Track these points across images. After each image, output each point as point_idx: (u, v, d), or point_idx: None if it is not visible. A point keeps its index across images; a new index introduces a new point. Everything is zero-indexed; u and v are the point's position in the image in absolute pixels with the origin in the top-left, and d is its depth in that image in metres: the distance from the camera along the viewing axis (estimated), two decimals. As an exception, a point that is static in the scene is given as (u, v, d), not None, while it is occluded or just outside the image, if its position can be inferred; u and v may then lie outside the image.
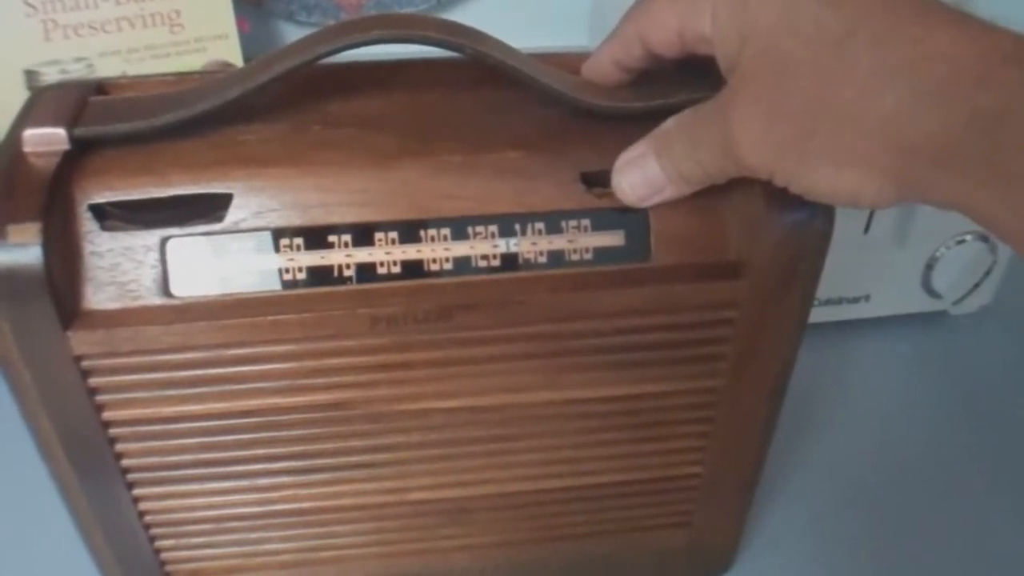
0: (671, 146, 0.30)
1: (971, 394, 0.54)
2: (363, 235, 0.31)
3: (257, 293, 0.31)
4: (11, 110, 0.31)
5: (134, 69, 0.60)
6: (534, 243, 0.31)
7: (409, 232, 0.31)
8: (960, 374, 0.56)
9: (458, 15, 0.73)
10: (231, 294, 0.31)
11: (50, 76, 0.58)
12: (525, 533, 0.39)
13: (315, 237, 0.30)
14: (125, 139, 0.31)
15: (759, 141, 0.27)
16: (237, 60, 0.61)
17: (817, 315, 0.54)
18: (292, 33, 0.71)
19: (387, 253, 0.31)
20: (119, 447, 0.34)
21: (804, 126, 0.26)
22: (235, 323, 0.30)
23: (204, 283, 0.31)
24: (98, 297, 0.30)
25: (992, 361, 0.56)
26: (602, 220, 0.32)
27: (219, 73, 0.33)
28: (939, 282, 0.54)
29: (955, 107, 0.23)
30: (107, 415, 0.32)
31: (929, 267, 0.54)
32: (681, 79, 0.32)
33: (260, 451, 0.34)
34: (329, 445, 0.34)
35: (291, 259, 0.31)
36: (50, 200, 0.29)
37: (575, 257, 0.32)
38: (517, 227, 0.31)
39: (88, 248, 0.30)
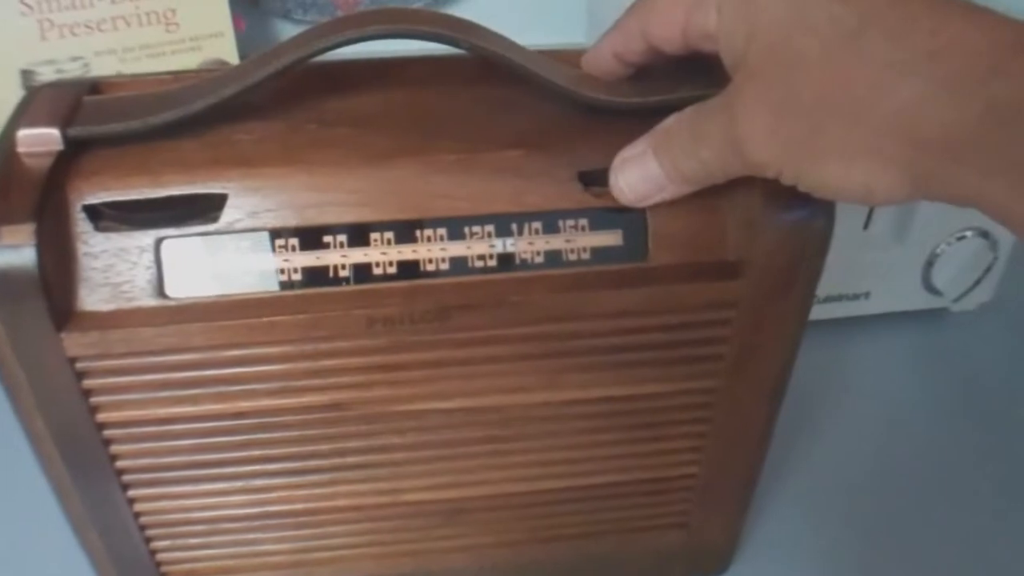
0: (672, 144, 0.29)
1: (972, 392, 0.54)
2: (359, 235, 0.30)
3: (253, 294, 0.30)
4: (7, 109, 0.31)
5: (130, 68, 0.60)
6: (531, 243, 0.31)
7: (405, 232, 0.30)
8: (961, 372, 0.55)
9: (454, 12, 0.72)
10: (226, 295, 0.30)
11: (46, 75, 0.58)
12: (521, 534, 0.39)
13: (311, 238, 0.30)
14: (119, 139, 0.31)
15: (767, 137, 0.27)
16: (233, 59, 0.61)
17: (816, 312, 0.54)
18: (288, 31, 0.71)
19: (383, 253, 0.30)
20: (114, 448, 0.33)
21: (814, 121, 0.26)
22: (230, 324, 0.30)
23: (199, 284, 0.30)
24: (92, 298, 0.30)
25: (993, 358, 0.56)
26: (600, 220, 0.31)
27: (215, 71, 0.33)
28: (939, 279, 0.54)
29: (970, 98, 0.23)
30: (102, 416, 0.32)
31: (929, 264, 0.53)
32: (682, 75, 0.32)
33: (255, 452, 0.34)
34: (325, 446, 0.34)
35: (287, 260, 0.30)
36: (44, 201, 0.28)
37: (572, 257, 0.31)
38: (514, 227, 0.31)
39: (82, 249, 0.30)
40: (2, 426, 0.34)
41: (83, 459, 0.33)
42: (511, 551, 0.39)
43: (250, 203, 0.30)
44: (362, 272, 0.30)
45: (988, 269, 0.54)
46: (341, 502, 0.36)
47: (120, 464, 0.34)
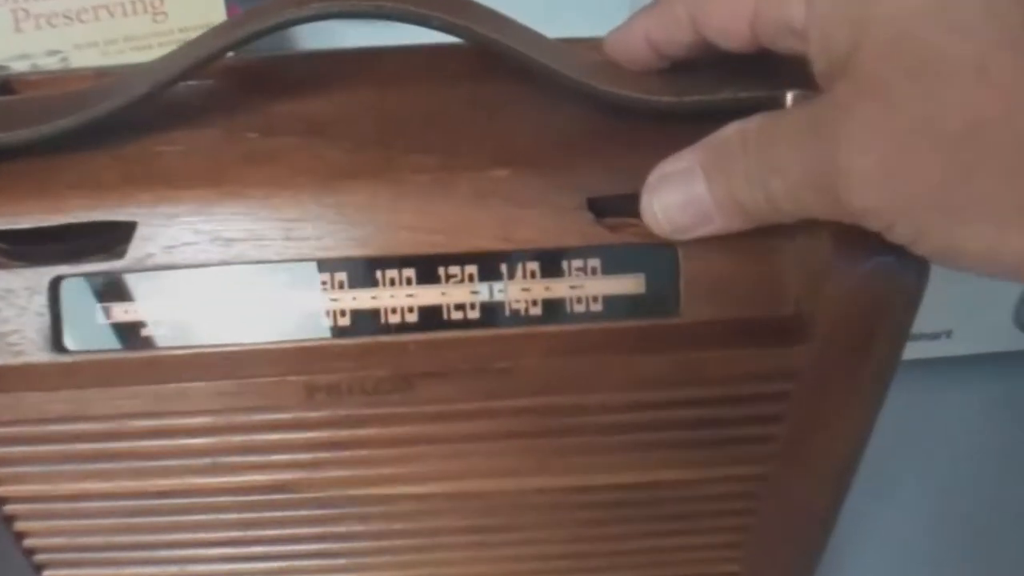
0: (730, 164, 0.22)
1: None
2: (300, 278, 0.24)
3: (167, 351, 0.24)
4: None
5: (113, 61, 0.54)
6: (525, 289, 0.24)
7: (360, 274, 0.24)
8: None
9: None
10: (134, 352, 0.24)
11: (20, 71, 0.52)
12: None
13: (241, 280, 0.24)
14: (15, 151, 0.24)
15: (881, 177, 0.19)
16: (229, 52, 0.55)
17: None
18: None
19: (332, 300, 0.24)
20: (19, 526, 0.27)
21: (959, 161, 0.18)
22: (138, 391, 0.23)
23: (102, 336, 0.24)
24: (-31, 352, 0.24)
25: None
26: (616, 260, 0.24)
27: (140, 66, 0.26)
28: (1035, 317, 0.45)
29: None
30: (0, 490, 0.26)
31: (1023, 300, 0.45)
32: (730, 70, 0.24)
33: (189, 535, 0.28)
34: (272, 532, 0.28)
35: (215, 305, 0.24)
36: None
37: (579, 309, 0.24)
38: (503, 268, 0.24)
39: (-43, 290, 0.24)
40: None
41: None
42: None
43: (165, 234, 0.24)
44: (308, 324, 0.24)
45: (1098, 307, 0.45)
46: (296, 595, 0.29)
47: (29, 543, 0.28)
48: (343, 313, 0.24)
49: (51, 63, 0.54)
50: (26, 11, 0.53)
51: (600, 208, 0.24)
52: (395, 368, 0.23)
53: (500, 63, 0.24)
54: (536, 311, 0.24)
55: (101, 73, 0.28)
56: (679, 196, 0.23)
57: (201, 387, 0.23)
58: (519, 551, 0.28)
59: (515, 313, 0.24)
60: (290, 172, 0.24)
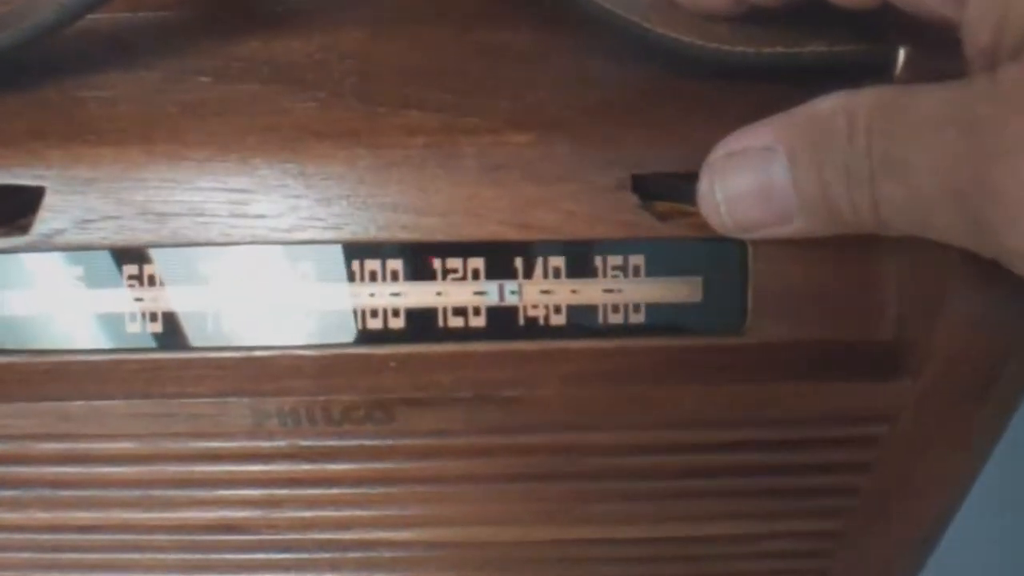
0: (828, 150, 0.16)
1: None
2: (252, 266, 0.18)
3: (74, 357, 0.18)
4: None
5: None
6: (546, 292, 0.18)
7: (330, 264, 0.18)
8: None
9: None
10: (36, 357, 0.19)
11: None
12: None
13: (176, 268, 0.18)
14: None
15: None
16: None
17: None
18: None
19: (291, 297, 0.18)
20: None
21: None
22: (37, 409, 0.18)
23: (3, 334, 0.19)
24: None
25: None
26: (665, 258, 0.19)
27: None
28: None
29: None
30: None
31: None
32: (824, 20, 0.18)
33: (123, 575, 0.23)
34: (221, 576, 0.22)
35: (139, 300, 0.18)
36: None
37: (615, 319, 0.18)
38: (518, 263, 0.18)
39: None
40: None
41: None
42: None
43: (79, 204, 0.18)
44: (253, 326, 0.18)
45: None
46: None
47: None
48: (305, 314, 0.18)
49: None
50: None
51: (647, 190, 0.18)
52: (369, 391, 0.18)
53: (523, 3, 0.19)
54: (559, 320, 0.18)
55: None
56: (750, 183, 0.17)
57: (115, 407, 0.18)
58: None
59: (531, 322, 0.18)
60: (242, 128, 0.18)
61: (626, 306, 0.19)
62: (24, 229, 0.18)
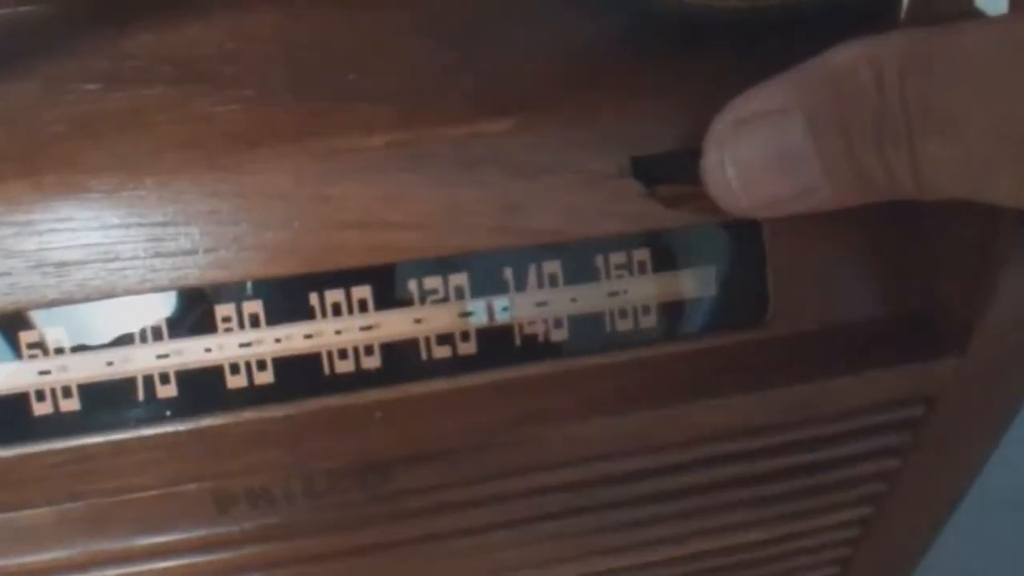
0: (856, 110, 0.14)
1: None
2: (187, 312, 0.15)
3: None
4: None
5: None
6: (542, 304, 0.16)
7: (285, 301, 0.15)
8: None
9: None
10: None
11: None
12: None
13: (87, 326, 0.15)
14: None
15: None
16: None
17: None
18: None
19: (241, 347, 0.15)
20: None
21: None
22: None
23: None
24: None
25: None
26: (671, 249, 0.16)
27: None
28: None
29: None
30: None
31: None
32: None
33: None
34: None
35: (44, 373, 0.15)
36: None
37: (624, 326, 0.16)
38: (507, 274, 0.16)
39: None
40: None
41: None
42: None
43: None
44: (201, 390, 0.15)
45: None
46: None
47: None
48: (261, 366, 0.15)
49: None
50: None
51: (649, 171, 0.16)
52: (351, 452, 0.15)
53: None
54: (561, 336, 0.16)
55: None
56: (765, 152, 0.15)
57: (37, 517, 0.14)
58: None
59: (530, 341, 0.16)
60: (154, 145, 0.15)
61: (634, 309, 0.16)
62: None
